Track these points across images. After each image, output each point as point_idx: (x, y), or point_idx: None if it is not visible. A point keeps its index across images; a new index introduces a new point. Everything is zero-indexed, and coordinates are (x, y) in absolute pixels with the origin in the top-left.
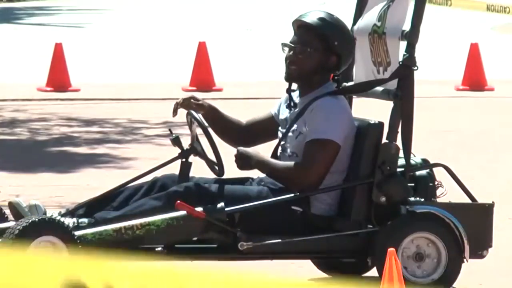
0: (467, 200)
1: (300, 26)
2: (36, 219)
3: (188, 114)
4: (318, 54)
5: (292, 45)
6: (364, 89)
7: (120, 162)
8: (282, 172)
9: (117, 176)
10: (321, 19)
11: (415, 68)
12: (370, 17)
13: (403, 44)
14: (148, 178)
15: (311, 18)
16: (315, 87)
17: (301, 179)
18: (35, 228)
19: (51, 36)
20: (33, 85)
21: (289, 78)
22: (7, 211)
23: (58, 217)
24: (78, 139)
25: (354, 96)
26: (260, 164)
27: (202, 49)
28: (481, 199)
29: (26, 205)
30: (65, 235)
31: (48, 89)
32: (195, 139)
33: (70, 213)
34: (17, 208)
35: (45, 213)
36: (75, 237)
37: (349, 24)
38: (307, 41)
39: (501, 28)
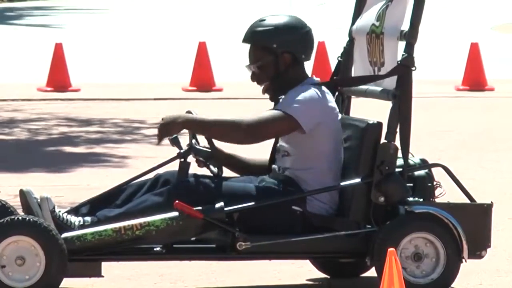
0: (465, 200)
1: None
2: (10, 219)
3: (187, 112)
4: (270, 62)
5: (248, 66)
6: (356, 83)
7: (120, 162)
8: (227, 121)
9: (117, 175)
10: (253, 32)
11: (414, 68)
12: (368, 17)
13: (401, 44)
14: (148, 177)
15: (246, 36)
16: (295, 84)
17: (240, 129)
18: (8, 227)
19: (51, 36)
20: (33, 85)
21: (270, 97)
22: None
23: (37, 219)
24: (78, 139)
25: (353, 96)
26: (192, 121)
27: (202, 49)
28: (480, 199)
29: (37, 197)
30: (43, 238)
31: (48, 89)
32: (193, 139)
33: (75, 211)
34: (26, 196)
35: (53, 209)
36: (55, 239)
37: (348, 25)
38: (255, 57)
39: (501, 28)
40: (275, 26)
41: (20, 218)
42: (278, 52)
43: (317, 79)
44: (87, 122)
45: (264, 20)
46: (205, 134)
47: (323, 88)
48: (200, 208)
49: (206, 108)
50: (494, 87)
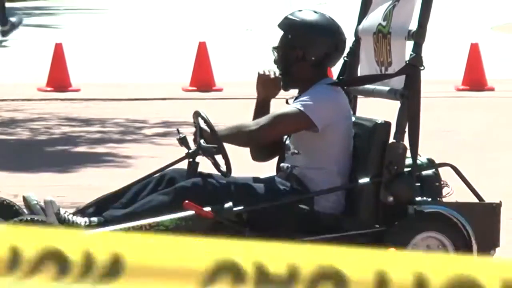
0: (472, 200)
1: None
2: (19, 220)
3: (195, 113)
4: (283, 50)
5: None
6: (366, 82)
7: (121, 161)
8: (242, 123)
9: (118, 175)
10: (285, 17)
11: (422, 68)
12: (375, 17)
13: (409, 44)
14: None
15: (282, 20)
16: (309, 84)
17: (251, 127)
18: None
19: (51, 36)
20: (33, 85)
21: (282, 86)
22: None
23: (42, 219)
24: (78, 139)
25: (360, 96)
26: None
27: (202, 49)
28: (483, 199)
29: (37, 201)
30: None
31: (48, 89)
32: (201, 139)
33: (80, 212)
34: (28, 201)
35: (58, 211)
36: None
37: (353, 24)
38: (279, 40)
39: (501, 28)
40: (301, 19)
41: (28, 219)
42: (291, 44)
43: (334, 79)
44: (88, 122)
45: (301, 11)
46: (220, 143)
47: (338, 88)
48: (209, 208)
49: (206, 108)
50: (494, 87)
